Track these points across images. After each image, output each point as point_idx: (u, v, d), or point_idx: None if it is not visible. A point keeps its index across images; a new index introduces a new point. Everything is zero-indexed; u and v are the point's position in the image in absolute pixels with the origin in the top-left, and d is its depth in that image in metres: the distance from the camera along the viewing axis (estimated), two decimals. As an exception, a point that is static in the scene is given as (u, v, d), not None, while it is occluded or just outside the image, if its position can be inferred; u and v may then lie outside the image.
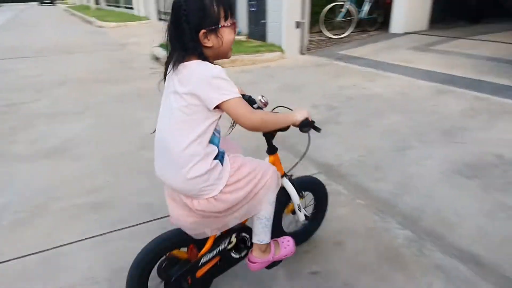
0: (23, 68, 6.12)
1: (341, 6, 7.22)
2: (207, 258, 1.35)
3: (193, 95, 1.12)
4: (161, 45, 6.85)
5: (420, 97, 3.82)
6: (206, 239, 1.34)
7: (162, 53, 6.22)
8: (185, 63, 1.14)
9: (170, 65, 1.17)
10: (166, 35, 1.18)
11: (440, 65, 4.87)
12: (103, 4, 23.42)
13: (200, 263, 1.33)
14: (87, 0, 25.11)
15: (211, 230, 1.29)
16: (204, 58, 1.14)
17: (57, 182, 2.46)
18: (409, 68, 4.88)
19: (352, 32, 7.41)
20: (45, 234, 1.94)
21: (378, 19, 7.84)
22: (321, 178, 2.38)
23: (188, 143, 1.13)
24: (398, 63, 5.16)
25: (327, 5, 7.16)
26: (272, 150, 1.49)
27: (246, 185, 1.25)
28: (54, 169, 2.65)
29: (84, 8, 23.79)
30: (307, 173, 2.45)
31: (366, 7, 7.51)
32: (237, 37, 6.99)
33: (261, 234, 1.36)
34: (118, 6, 19.42)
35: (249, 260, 1.42)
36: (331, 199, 1.84)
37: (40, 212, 2.13)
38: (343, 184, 2.32)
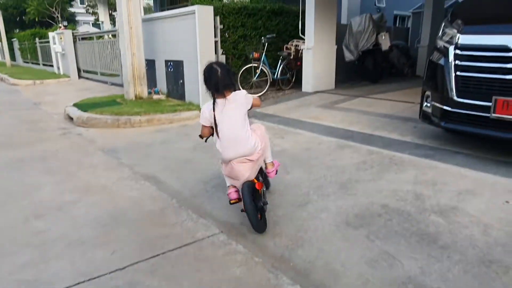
0: None
1: (257, 67, 7.76)
2: (263, 188, 2.63)
3: (243, 105, 2.42)
4: (76, 105, 6.66)
5: (322, 152, 4.14)
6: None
7: (76, 113, 6.04)
8: (232, 93, 2.39)
9: (220, 98, 2.37)
10: (214, 83, 2.34)
11: (342, 121, 5.38)
12: (20, 61, 22.33)
13: (262, 191, 2.58)
14: (2, 56, 23.78)
15: (252, 174, 2.47)
16: (235, 90, 2.44)
17: None
18: (316, 125, 5.31)
19: (269, 90, 7.92)
20: None
21: (290, 79, 8.52)
22: (221, 239, 2.41)
23: (246, 129, 2.42)
24: (307, 120, 5.59)
25: (244, 66, 7.65)
26: None
27: (264, 137, 2.61)
28: None
29: (-2, 65, 22.42)
30: (209, 233, 2.47)
31: (279, 68, 8.16)
32: (156, 96, 7.08)
33: (269, 157, 2.77)
34: (37, 64, 18.64)
35: (267, 173, 2.82)
36: (228, 260, 1.86)
37: None
38: (243, 243, 2.36)
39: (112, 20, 20.65)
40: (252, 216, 2.38)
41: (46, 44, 15.75)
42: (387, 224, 2.54)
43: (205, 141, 2.59)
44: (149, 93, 7.25)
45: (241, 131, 2.39)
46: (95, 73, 12.01)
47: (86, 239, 2.44)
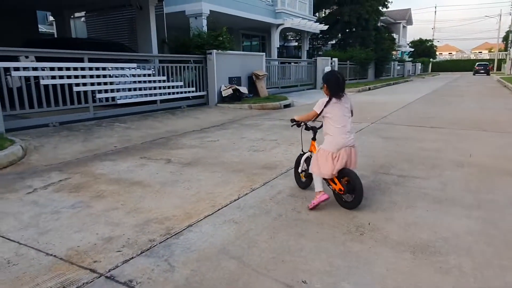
0: (424, 139, 6.18)
1: None
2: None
3: (350, 107, 3.24)
4: None
5: None
6: None
7: None
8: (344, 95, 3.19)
9: (337, 97, 3.13)
10: (342, 88, 3.16)
11: None
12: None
13: None
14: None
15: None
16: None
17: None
18: None
19: None
20: None
21: None
22: None
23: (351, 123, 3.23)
24: None
25: None
26: None
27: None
28: (412, 272, 2.32)
29: (518, 80, 21.84)
30: None
31: None
32: None
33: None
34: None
35: None
36: None
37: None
38: None
39: None
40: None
41: None
42: None
43: (298, 125, 3.45)
44: None
45: (351, 127, 3.19)
46: None
47: None
